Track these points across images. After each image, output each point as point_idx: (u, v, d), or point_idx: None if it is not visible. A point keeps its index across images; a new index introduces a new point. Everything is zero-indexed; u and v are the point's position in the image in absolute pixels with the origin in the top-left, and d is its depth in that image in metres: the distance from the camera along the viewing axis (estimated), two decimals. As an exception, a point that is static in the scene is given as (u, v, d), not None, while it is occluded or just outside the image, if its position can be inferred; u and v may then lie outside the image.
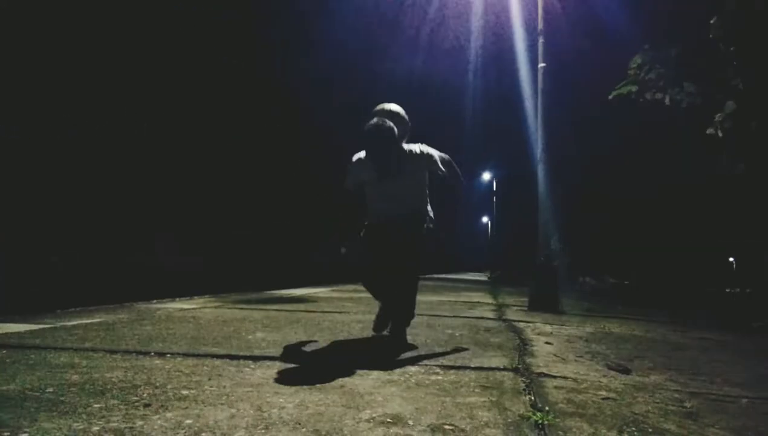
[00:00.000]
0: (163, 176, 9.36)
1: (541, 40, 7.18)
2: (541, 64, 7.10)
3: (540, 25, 7.22)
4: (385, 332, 3.10)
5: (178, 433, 1.41)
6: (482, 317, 4.86)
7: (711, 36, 6.85)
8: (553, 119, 7.19)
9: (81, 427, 1.43)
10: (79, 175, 7.33)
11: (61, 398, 1.68)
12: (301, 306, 5.38)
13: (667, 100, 7.48)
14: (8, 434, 1.36)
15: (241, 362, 2.37)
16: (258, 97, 12.67)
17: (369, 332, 3.43)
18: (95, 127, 7.50)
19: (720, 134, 6.94)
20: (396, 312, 3.07)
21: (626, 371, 2.55)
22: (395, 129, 2.92)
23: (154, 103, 9.20)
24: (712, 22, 6.76)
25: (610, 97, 7.97)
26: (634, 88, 7.71)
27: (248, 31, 11.73)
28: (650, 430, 1.63)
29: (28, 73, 6.35)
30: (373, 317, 3.62)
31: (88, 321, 3.52)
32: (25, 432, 1.38)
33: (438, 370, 2.36)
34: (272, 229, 13.70)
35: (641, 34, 8.24)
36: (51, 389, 1.78)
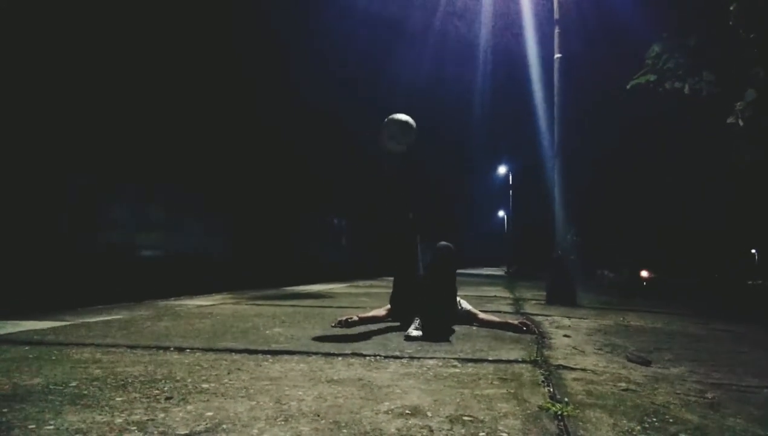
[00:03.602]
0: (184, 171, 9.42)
1: (557, 30, 7.09)
2: (557, 55, 7.02)
3: (556, 15, 7.14)
4: (414, 332, 3.09)
5: (199, 424, 1.42)
6: (500, 311, 4.84)
7: (731, 23, 6.73)
8: (568, 113, 7.11)
9: (104, 420, 1.45)
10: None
11: (84, 392, 1.71)
12: (318, 302, 5.41)
13: (686, 89, 7.36)
14: (34, 426, 1.39)
15: (260, 356, 2.39)
16: (277, 103, 12.68)
17: (385, 326, 3.44)
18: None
19: (741, 123, 6.82)
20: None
21: (646, 363, 2.52)
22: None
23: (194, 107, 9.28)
24: (731, 8, 6.63)
25: (629, 87, 7.86)
26: (652, 78, 7.59)
27: (248, 31, 11.73)
28: (671, 420, 1.61)
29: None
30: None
31: (109, 318, 3.57)
32: (50, 425, 1.40)
33: (456, 363, 2.35)
34: (286, 228, 13.75)
35: (658, 22, 8.11)
36: (74, 384, 1.81)
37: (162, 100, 8.65)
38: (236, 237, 11.28)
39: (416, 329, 3.06)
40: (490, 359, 2.46)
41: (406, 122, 3.37)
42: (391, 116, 3.37)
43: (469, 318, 3.73)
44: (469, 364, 2.34)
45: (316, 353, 2.47)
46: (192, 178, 9.60)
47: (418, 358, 2.43)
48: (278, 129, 13.04)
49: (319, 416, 1.53)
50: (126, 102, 7.81)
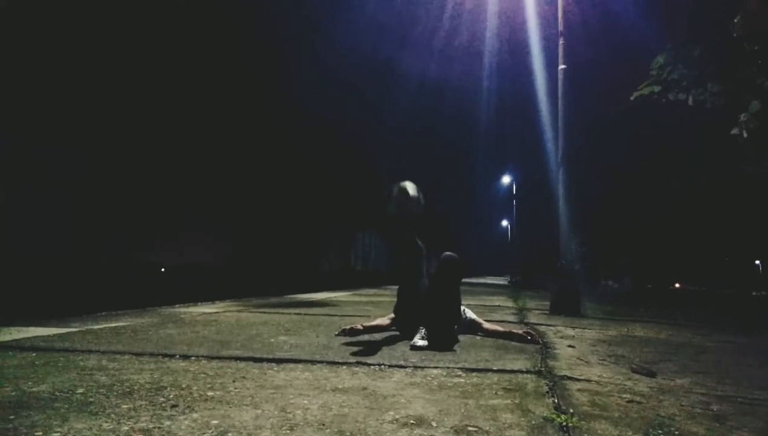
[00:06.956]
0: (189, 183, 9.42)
1: (561, 41, 7.12)
2: (562, 66, 7.05)
3: (560, 27, 7.18)
4: (420, 342, 3.09)
5: (204, 433, 1.43)
6: (503, 321, 4.84)
7: (734, 35, 6.74)
8: (576, 121, 7.13)
9: (110, 427, 1.46)
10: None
11: (90, 399, 1.72)
12: (323, 310, 5.41)
13: (690, 101, 7.36)
14: (40, 433, 1.39)
15: (265, 364, 2.40)
16: (275, 112, 12.69)
17: (389, 336, 3.44)
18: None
19: (745, 135, 6.82)
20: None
21: (651, 375, 2.51)
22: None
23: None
24: (735, 20, 6.65)
25: (633, 98, 7.87)
26: (656, 89, 7.60)
27: (251, 36, 11.74)
28: (677, 432, 1.60)
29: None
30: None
31: (115, 325, 3.58)
32: (57, 432, 1.41)
33: (460, 372, 2.35)
34: (288, 237, 13.75)
35: (661, 34, 8.14)
36: (80, 391, 1.82)
37: (168, 115, 8.70)
38: (239, 245, 11.29)
39: (422, 338, 3.06)
40: (495, 369, 2.46)
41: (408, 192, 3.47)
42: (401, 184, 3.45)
43: (473, 327, 3.74)
44: (474, 374, 2.34)
45: (320, 362, 2.48)
46: (200, 186, 9.62)
47: (423, 367, 2.43)
48: (292, 143, 13.09)
49: (324, 425, 1.53)
50: (127, 118, 7.85)
